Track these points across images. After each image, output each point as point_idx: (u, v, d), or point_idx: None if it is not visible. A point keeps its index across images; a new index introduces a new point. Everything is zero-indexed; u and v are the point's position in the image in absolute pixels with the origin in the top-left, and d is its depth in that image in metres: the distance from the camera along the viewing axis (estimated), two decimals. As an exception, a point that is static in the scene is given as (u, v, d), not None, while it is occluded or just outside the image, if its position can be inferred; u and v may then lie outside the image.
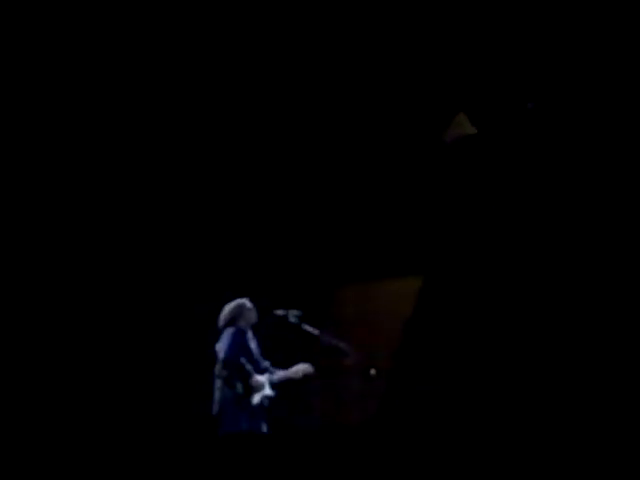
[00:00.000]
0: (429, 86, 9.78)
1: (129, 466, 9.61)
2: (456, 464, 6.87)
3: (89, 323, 10.21)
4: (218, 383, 8.64)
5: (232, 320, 8.83)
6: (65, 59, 10.08)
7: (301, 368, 8.82)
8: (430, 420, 8.56)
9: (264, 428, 8.56)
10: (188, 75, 10.26)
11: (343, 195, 10.56)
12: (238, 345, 8.67)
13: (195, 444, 9.66)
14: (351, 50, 9.86)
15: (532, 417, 8.01)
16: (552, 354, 8.33)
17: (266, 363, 8.81)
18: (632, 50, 8.81)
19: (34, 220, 10.21)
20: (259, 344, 8.87)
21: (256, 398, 8.57)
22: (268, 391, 8.63)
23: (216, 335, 8.76)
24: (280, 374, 8.76)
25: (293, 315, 8.86)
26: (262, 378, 8.64)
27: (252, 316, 8.88)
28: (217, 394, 8.62)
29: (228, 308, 8.88)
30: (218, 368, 8.64)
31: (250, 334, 8.84)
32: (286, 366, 8.79)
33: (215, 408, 8.61)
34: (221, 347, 8.68)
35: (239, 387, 8.54)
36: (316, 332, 8.84)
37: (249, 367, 8.60)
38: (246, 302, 8.88)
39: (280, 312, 8.89)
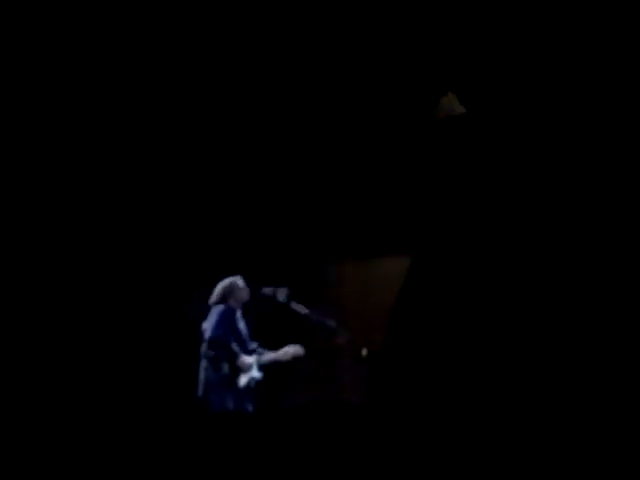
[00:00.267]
0: (419, 65, 9.60)
1: (111, 448, 9.37)
2: (447, 448, 6.63)
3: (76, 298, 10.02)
4: (204, 363, 8.37)
5: (223, 298, 8.54)
6: (65, 59, 9.85)
7: (290, 350, 8.53)
8: (419, 402, 8.37)
9: (250, 410, 8.28)
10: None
11: (338, 171, 10.31)
12: (226, 324, 8.39)
13: (180, 425, 9.39)
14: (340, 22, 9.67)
15: (524, 393, 7.84)
16: (546, 336, 8.17)
17: (254, 344, 8.53)
18: (632, 50, 8.63)
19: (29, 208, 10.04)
20: (248, 324, 8.58)
21: (243, 380, 8.29)
22: (255, 373, 8.34)
23: (204, 313, 8.49)
24: (268, 356, 8.48)
25: (281, 293, 8.57)
26: (250, 359, 8.35)
27: (244, 295, 8.57)
28: (202, 375, 8.35)
29: (220, 285, 8.59)
30: (204, 347, 8.38)
31: (239, 314, 8.55)
32: (274, 346, 8.50)
33: (200, 389, 8.34)
34: (208, 326, 8.41)
35: (225, 368, 8.27)
36: (305, 311, 8.54)
37: (236, 347, 8.32)
38: (238, 280, 8.59)
39: (268, 290, 8.60)
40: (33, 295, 9.82)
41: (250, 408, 8.25)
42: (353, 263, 10.38)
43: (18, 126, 9.74)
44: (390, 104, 9.88)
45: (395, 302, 8.60)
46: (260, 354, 8.44)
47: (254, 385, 8.32)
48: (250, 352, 8.42)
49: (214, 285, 8.55)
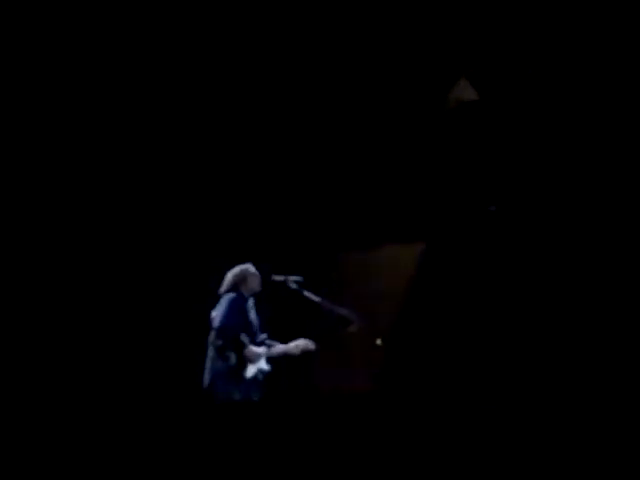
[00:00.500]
0: (431, 51, 9.49)
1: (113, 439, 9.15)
2: (456, 435, 6.44)
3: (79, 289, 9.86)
4: (211, 352, 8.06)
5: (234, 286, 8.22)
6: (65, 59, 9.89)
7: (301, 344, 8.21)
8: (430, 391, 8.21)
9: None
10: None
11: (346, 159, 10.15)
12: (236, 313, 8.08)
13: (185, 415, 9.13)
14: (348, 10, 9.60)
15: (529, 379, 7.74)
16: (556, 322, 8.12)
17: (264, 335, 8.22)
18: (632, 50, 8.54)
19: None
20: (259, 314, 8.28)
21: (250, 371, 7.97)
22: (264, 365, 8.03)
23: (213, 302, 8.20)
24: (278, 348, 8.17)
25: (293, 281, 8.26)
26: (258, 350, 8.04)
27: (256, 282, 8.24)
28: (209, 364, 8.04)
29: (231, 274, 8.28)
30: (212, 336, 8.07)
31: (251, 302, 8.24)
32: (284, 335, 8.19)
33: (206, 379, 8.03)
34: (217, 314, 8.10)
35: (232, 358, 7.96)
36: (318, 299, 8.23)
37: (245, 338, 8.01)
38: (250, 267, 8.27)
39: (279, 278, 8.28)
40: (38, 286, 9.74)
41: (257, 400, 7.94)
42: (356, 252, 10.14)
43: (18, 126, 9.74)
44: (396, 94, 9.80)
45: (406, 292, 8.46)
46: (269, 346, 8.13)
47: (262, 377, 8.02)
48: (259, 343, 8.12)
49: (223, 274, 8.25)
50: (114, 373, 9.58)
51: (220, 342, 7.98)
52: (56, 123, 9.93)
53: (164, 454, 7.24)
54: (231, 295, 8.14)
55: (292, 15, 9.72)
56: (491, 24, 9.14)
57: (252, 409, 7.53)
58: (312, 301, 8.21)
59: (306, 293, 8.22)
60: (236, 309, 8.09)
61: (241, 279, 8.20)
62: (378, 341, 8.16)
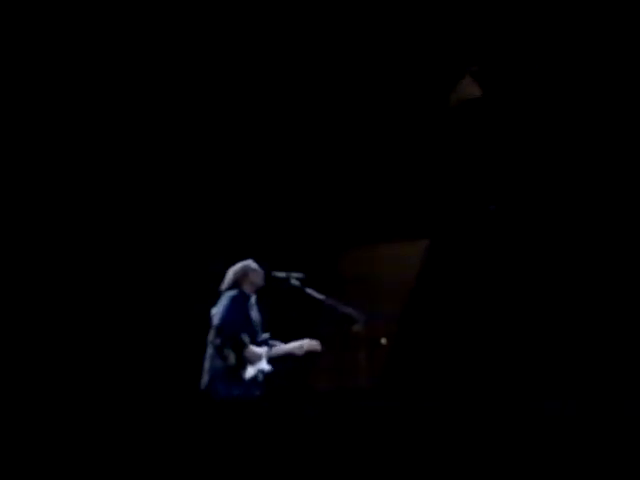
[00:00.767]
0: (435, 48, 9.35)
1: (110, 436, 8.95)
2: (459, 430, 6.24)
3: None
4: (210, 351, 7.74)
5: (235, 283, 7.90)
6: (65, 59, 9.86)
7: (305, 343, 7.86)
8: (436, 386, 8.04)
9: (257, 404, 7.65)
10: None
11: (348, 155, 9.98)
12: (237, 310, 7.76)
13: (182, 415, 8.91)
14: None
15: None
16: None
17: (266, 335, 7.88)
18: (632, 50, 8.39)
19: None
20: (261, 313, 7.95)
21: (250, 371, 7.64)
22: (264, 365, 7.69)
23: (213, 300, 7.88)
24: (280, 348, 7.82)
25: (294, 278, 7.91)
26: (259, 350, 7.71)
27: (258, 278, 7.90)
28: (207, 364, 7.73)
29: (232, 270, 7.96)
30: (211, 335, 7.75)
31: (253, 300, 7.91)
32: (285, 334, 7.85)
33: (204, 380, 7.72)
34: (217, 311, 7.78)
35: (231, 358, 7.63)
36: (321, 297, 7.87)
37: (245, 337, 7.68)
38: (251, 263, 7.94)
39: (280, 274, 7.94)
40: (37, 283, 9.64)
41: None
42: (357, 249, 9.88)
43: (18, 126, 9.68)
44: (398, 92, 9.68)
45: (412, 289, 8.32)
46: (271, 346, 7.79)
47: (262, 378, 7.68)
48: (261, 343, 7.79)
49: (224, 272, 7.94)
50: (112, 371, 9.40)
51: (219, 341, 7.66)
52: (56, 123, 9.87)
53: (161, 452, 7.08)
54: (232, 292, 7.82)
55: (294, 6, 9.58)
56: (495, 21, 9.00)
57: (246, 408, 7.22)
58: (315, 299, 7.87)
59: (308, 290, 7.88)
60: (237, 306, 7.77)
61: (242, 275, 7.88)
62: (383, 340, 7.81)
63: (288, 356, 7.83)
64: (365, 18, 9.57)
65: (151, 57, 9.85)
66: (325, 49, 9.72)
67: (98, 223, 9.80)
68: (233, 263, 7.95)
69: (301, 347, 7.86)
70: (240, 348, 7.63)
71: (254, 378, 7.64)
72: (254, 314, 7.89)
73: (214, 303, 7.85)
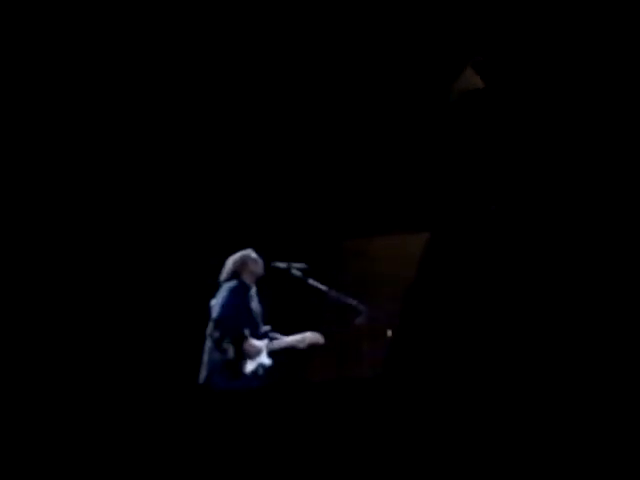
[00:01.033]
0: (437, 39, 9.12)
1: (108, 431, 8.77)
2: (460, 426, 6.04)
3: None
4: (208, 344, 7.48)
5: (235, 274, 7.63)
6: (65, 59, 9.50)
7: (308, 337, 7.60)
8: (436, 379, 7.84)
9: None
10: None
11: (348, 147, 9.65)
12: (236, 302, 7.49)
13: (180, 408, 8.72)
14: None
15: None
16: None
17: (267, 327, 7.61)
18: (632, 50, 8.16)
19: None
20: (262, 304, 7.69)
21: (249, 365, 7.38)
22: (265, 359, 7.43)
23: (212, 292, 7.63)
24: (281, 341, 7.56)
25: (296, 268, 7.64)
26: (259, 344, 7.44)
27: (258, 268, 7.63)
28: (206, 357, 7.46)
29: (231, 260, 7.69)
30: (210, 327, 7.48)
31: (253, 291, 7.64)
32: (286, 327, 7.59)
33: (202, 374, 7.45)
34: (216, 303, 7.51)
35: (230, 351, 7.37)
36: (323, 288, 7.60)
37: (245, 329, 7.41)
38: (251, 253, 7.67)
39: (281, 265, 7.66)
40: (35, 279, 9.43)
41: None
42: (355, 241, 9.64)
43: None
44: (398, 85, 9.37)
45: (411, 282, 8.06)
46: (272, 339, 7.52)
47: (262, 373, 7.42)
48: (261, 336, 7.52)
49: (223, 262, 7.68)
50: (109, 363, 9.18)
51: (218, 334, 7.39)
52: (56, 123, 9.63)
53: (159, 448, 6.89)
54: (231, 283, 7.56)
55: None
56: (497, 14, 8.81)
57: (243, 399, 6.97)
58: (317, 290, 7.60)
59: (311, 281, 7.61)
60: (237, 298, 7.51)
61: (242, 265, 7.62)
62: (388, 332, 7.53)
63: (290, 349, 7.59)
64: (363, 8, 9.37)
65: (151, 57, 9.64)
66: (322, 39, 9.52)
67: (95, 215, 9.60)
68: (233, 253, 7.70)
69: (303, 340, 7.60)
70: (240, 341, 7.37)
71: (254, 372, 7.39)
72: (254, 305, 7.62)
73: (213, 294, 7.60)
